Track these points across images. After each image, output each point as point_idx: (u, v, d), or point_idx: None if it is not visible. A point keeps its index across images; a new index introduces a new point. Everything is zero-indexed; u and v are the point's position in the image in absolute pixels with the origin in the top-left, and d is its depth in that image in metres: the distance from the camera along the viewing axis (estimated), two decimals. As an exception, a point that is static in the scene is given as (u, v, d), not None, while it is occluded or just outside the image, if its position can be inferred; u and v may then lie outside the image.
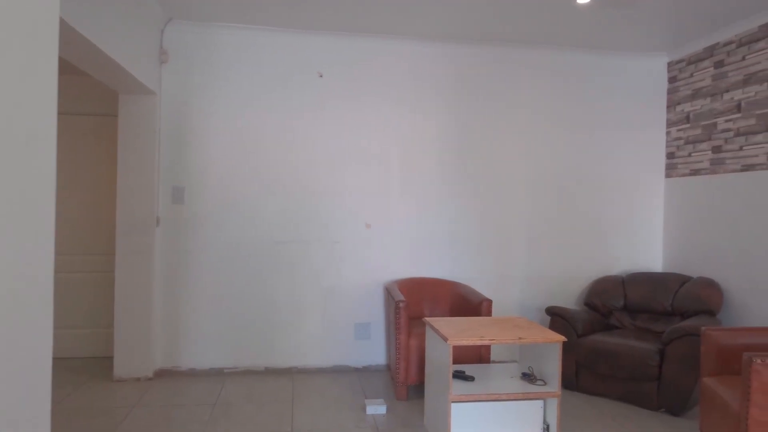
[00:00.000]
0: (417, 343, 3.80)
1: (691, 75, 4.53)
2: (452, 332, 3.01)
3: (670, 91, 4.80)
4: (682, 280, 4.32)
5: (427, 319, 3.35)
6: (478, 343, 2.90)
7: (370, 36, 4.48)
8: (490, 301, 3.90)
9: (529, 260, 4.74)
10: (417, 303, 4.39)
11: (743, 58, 4.00)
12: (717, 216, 4.23)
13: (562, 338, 2.97)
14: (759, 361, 2.44)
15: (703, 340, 3.05)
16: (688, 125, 4.57)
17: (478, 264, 4.67)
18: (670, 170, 4.78)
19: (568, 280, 4.80)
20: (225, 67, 4.34)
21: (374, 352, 4.54)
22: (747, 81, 3.96)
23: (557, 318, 4.19)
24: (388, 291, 4.20)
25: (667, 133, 4.82)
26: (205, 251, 4.32)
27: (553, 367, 3.05)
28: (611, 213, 4.83)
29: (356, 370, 4.51)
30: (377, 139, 4.52)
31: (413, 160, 4.58)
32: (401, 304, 3.75)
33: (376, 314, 4.53)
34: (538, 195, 4.74)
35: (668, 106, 4.81)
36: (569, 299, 4.81)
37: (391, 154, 4.54)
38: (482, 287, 4.66)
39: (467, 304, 4.12)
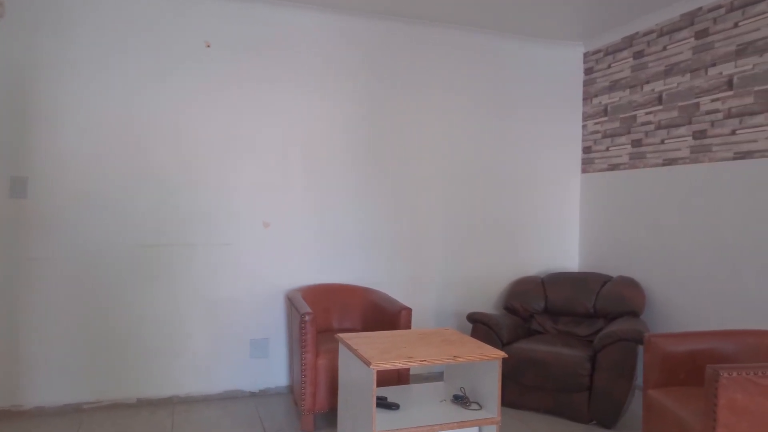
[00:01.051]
0: (327, 362, 3.21)
1: (609, 66, 4.36)
2: (374, 353, 2.47)
3: (586, 83, 4.61)
4: (603, 279, 4.12)
5: (341, 336, 2.78)
6: (407, 365, 2.38)
7: (268, 2, 3.82)
8: (409, 310, 3.42)
9: (445, 261, 4.33)
10: (325, 313, 3.80)
11: (664, 48, 3.85)
12: (636, 212, 4.07)
13: (502, 354, 2.53)
14: (726, 374, 2.14)
15: (646, 348, 2.76)
16: (605, 118, 4.39)
17: (390, 267, 4.18)
18: (587, 165, 4.59)
19: (486, 283, 4.45)
20: (85, 30, 3.47)
21: (274, 372, 3.89)
22: (668, 72, 3.81)
23: (480, 325, 3.80)
24: (290, 301, 3.57)
25: (584, 126, 4.64)
26: (55, 258, 3.43)
27: (490, 387, 2.61)
28: (528, 210, 4.55)
29: (252, 395, 3.83)
30: (277, 125, 3.88)
31: (319, 150, 3.98)
32: (307, 317, 3.15)
33: (275, 328, 3.88)
34: (454, 190, 4.34)
35: (585, 99, 4.63)
36: (487, 303, 4.46)
37: (293, 142, 3.92)
38: (396, 293, 4.18)
39: (382, 313, 3.60)
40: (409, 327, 3.40)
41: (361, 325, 3.80)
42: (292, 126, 3.91)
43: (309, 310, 3.20)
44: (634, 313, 3.81)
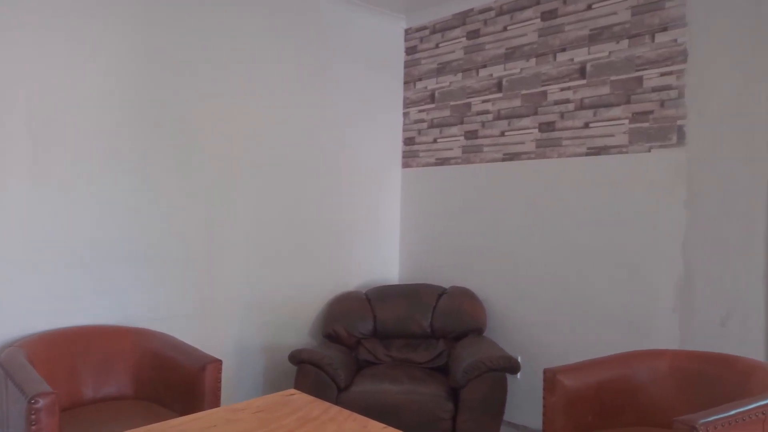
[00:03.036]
0: (81, 473, 1.89)
1: (437, 46, 3.80)
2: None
3: (408, 64, 3.99)
4: (438, 292, 3.52)
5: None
6: (267, 496, 1.32)
7: None
8: (218, 364, 2.27)
9: (248, 279, 3.24)
10: (70, 377, 2.38)
11: (505, 29, 3.41)
12: (471, 214, 3.57)
13: (404, 437, 1.64)
14: (704, 429, 1.61)
15: (550, 388, 2.17)
16: (432, 105, 3.82)
17: (173, 292, 2.92)
18: (409, 159, 3.97)
19: (299, 303, 3.49)
20: None
21: (-29, 486, 2.31)
22: (510, 56, 3.39)
23: (308, 367, 2.84)
24: (4, 368, 2.09)
25: (405, 114, 4.01)
26: None
27: (377, 486, 1.69)
28: (344, 211, 3.72)
29: None
30: (-27, 69, 2.31)
31: (61, 122, 2.53)
32: (40, 403, 1.79)
33: (-26, 411, 2.31)
34: (258, 187, 3.28)
35: (406, 82, 4.00)
36: (302, 330, 3.50)
37: (9, 104, 2.39)
38: (182, 327, 2.93)
39: (172, 369, 2.37)
40: (218, 390, 2.26)
41: (133, 390, 2.48)
42: (16, 82, 2.38)
43: (44, 388, 1.83)
44: (479, 330, 3.29)
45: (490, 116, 3.48)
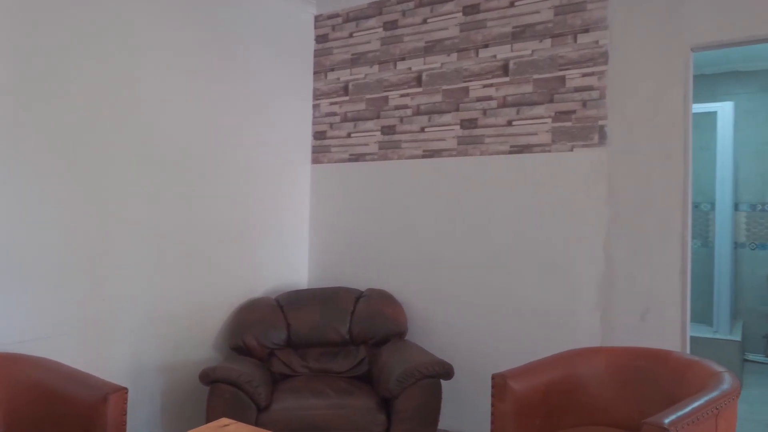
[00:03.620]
0: None
1: (351, 35, 3.59)
2: None
3: (319, 53, 3.74)
4: (355, 295, 3.33)
5: None
6: None
7: None
8: (122, 393, 1.88)
9: (144, 290, 2.81)
10: None
11: (424, 21, 3.30)
12: (387, 212, 3.42)
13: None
14: (674, 429, 1.59)
15: (499, 395, 2.07)
16: (346, 98, 3.61)
17: (52, 310, 2.42)
18: (320, 154, 3.73)
19: (201, 314, 3.10)
20: None
21: None
22: (429, 49, 3.28)
23: (223, 387, 2.50)
24: None
25: (315, 106, 3.75)
26: None
27: None
28: (251, 211, 3.39)
29: None
30: None
31: None
32: None
33: None
34: (156, 186, 2.85)
35: (317, 72, 3.74)
36: (205, 343, 3.12)
37: None
38: (65, 351, 2.44)
39: (60, 404, 1.93)
40: (123, 424, 1.87)
41: (6, 432, 1.99)
42: None
43: None
44: (400, 335, 3.15)
45: (409, 111, 3.35)
